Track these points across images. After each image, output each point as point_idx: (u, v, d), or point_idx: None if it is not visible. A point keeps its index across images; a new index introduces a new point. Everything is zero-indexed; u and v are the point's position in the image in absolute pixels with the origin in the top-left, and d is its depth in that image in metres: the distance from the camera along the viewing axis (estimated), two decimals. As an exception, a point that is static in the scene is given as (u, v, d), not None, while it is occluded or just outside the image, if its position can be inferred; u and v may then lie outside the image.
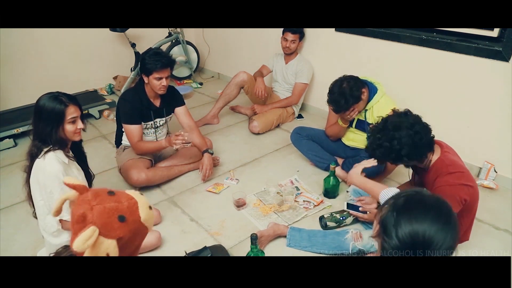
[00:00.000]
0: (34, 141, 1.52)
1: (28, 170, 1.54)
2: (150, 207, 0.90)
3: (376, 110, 2.13)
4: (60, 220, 1.54)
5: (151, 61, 2.11)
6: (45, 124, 1.49)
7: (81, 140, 1.69)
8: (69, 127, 1.52)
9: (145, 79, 2.19)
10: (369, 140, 1.61)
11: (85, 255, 0.76)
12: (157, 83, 2.16)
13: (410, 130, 1.48)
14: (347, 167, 2.32)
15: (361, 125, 2.27)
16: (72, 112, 1.52)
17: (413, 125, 1.49)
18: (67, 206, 1.52)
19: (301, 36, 3.01)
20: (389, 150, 1.51)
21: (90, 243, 0.75)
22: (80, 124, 1.57)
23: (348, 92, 2.05)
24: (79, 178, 1.62)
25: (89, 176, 1.77)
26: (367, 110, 2.20)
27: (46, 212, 1.55)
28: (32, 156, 1.51)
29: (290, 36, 2.96)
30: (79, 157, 1.71)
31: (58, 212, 0.89)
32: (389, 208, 0.90)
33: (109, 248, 0.79)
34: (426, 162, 1.58)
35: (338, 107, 2.11)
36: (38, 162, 1.49)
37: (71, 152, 1.63)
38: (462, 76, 2.31)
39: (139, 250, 0.94)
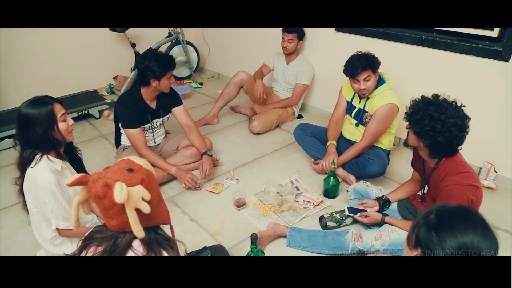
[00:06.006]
0: (24, 149, 1.46)
1: (21, 182, 1.49)
2: (141, 157, 1.01)
3: (377, 101, 2.16)
4: (57, 228, 1.52)
5: (160, 64, 2.12)
6: (38, 129, 1.42)
7: (72, 143, 1.65)
8: (62, 125, 1.48)
9: (154, 83, 2.17)
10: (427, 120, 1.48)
11: (127, 205, 0.86)
12: (168, 82, 2.22)
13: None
14: (349, 167, 2.32)
15: (360, 115, 2.28)
16: (59, 109, 1.48)
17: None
18: (63, 214, 1.49)
19: (300, 35, 2.99)
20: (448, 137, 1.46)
21: (126, 191, 0.84)
22: (70, 121, 1.53)
23: (370, 59, 2.11)
24: None
25: None
26: (368, 98, 2.21)
27: (41, 218, 1.52)
28: (23, 166, 1.46)
29: (286, 36, 2.96)
30: (74, 161, 1.67)
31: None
32: (424, 228, 0.90)
33: (140, 192, 0.88)
34: (438, 159, 1.58)
35: (356, 67, 2.12)
36: (29, 171, 1.44)
37: (64, 155, 1.58)
38: (462, 76, 2.31)
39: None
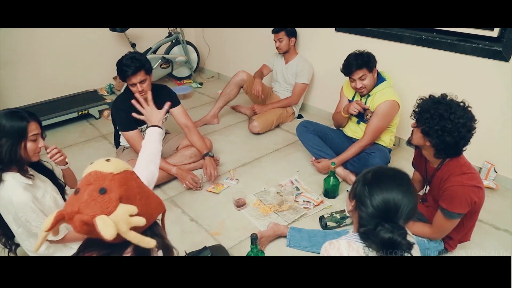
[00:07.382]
0: None
1: None
2: (108, 159, 0.87)
3: (378, 98, 2.17)
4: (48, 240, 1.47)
5: (121, 68, 2.04)
6: (3, 142, 1.35)
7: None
8: (30, 145, 1.40)
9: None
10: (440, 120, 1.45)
11: (120, 232, 0.77)
12: (133, 89, 2.12)
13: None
14: (351, 166, 2.32)
15: (361, 113, 2.28)
16: (33, 129, 1.40)
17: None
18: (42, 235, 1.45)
19: (288, 32, 2.96)
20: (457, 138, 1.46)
21: (111, 224, 0.75)
22: (41, 143, 1.45)
23: (365, 58, 2.12)
24: (47, 190, 1.53)
25: (60, 187, 1.66)
26: (369, 95, 2.22)
27: (28, 235, 1.49)
28: None
29: (276, 37, 2.97)
30: (44, 172, 1.60)
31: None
32: (361, 183, 1.06)
33: (125, 211, 0.79)
34: (442, 159, 1.58)
35: (351, 66, 2.15)
36: (1, 194, 1.37)
37: (28, 171, 1.49)
38: (462, 76, 2.31)
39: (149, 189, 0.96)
